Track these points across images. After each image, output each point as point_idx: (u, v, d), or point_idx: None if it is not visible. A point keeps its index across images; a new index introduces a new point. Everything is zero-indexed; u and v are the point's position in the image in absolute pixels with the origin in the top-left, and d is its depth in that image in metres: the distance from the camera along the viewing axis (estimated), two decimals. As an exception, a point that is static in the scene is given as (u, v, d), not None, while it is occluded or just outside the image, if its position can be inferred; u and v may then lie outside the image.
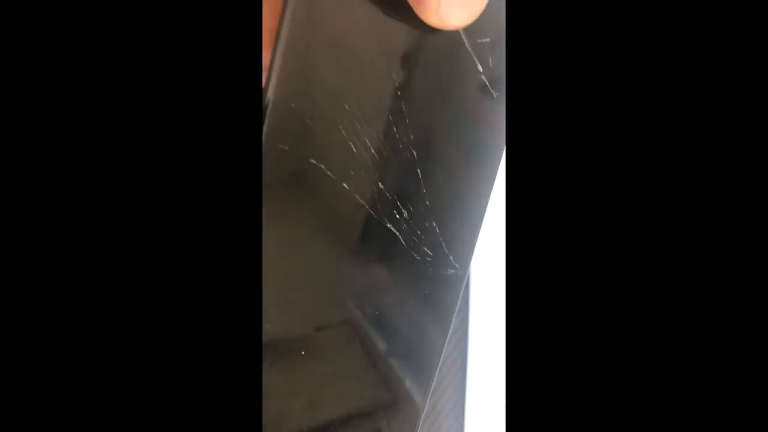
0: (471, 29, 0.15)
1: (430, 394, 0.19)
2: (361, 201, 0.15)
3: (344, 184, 0.14)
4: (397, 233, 0.16)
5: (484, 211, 0.17)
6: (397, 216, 0.15)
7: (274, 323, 0.15)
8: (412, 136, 0.15)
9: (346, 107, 0.14)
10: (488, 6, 0.14)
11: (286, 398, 0.16)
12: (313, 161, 0.14)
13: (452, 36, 0.15)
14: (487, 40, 0.15)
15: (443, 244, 0.16)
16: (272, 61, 0.13)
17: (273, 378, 0.15)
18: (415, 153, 0.15)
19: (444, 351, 0.18)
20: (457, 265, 0.17)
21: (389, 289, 0.16)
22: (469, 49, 0.15)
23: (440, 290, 0.17)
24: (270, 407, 0.15)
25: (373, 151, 0.14)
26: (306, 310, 0.15)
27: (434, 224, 0.16)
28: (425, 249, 0.16)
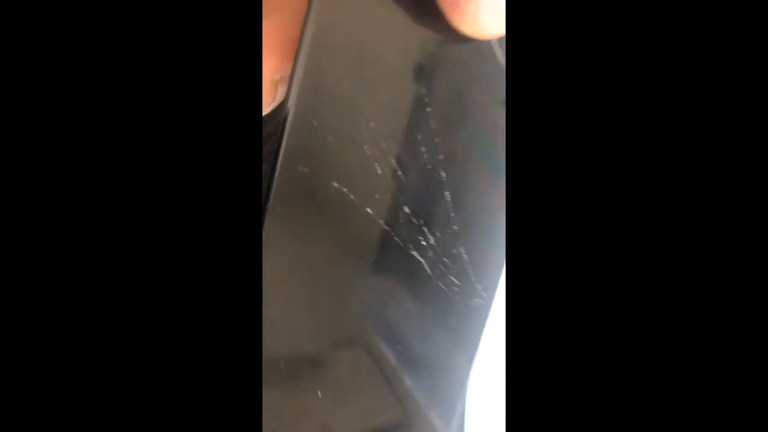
0: (504, 40, 0.14)
1: (455, 423, 0.18)
2: (385, 227, 0.13)
3: (368, 209, 0.13)
4: (423, 261, 0.14)
5: None
6: (423, 242, 0.14)
7: (289, 345, 0.14)
8: (440, 156, 0.14)
9: (372, 125, 0.12)
10: None
11: (299, 421, 0.15)
12: (335, 185, 0.12)
13: (483, 47, 0.14)
14: None
15: (471, 272, 0.15)
16: (293, 73, 0.12)
17: (284, 401, 0.14)
18: (443, 174, 0.14)
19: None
20: (484, 294, 0.16)
21: (412, 319, 0.15)
22: (501, 63, 0.14)
23: (466, 321, 0.16)
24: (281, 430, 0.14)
25: (399, 172, 0.13)
26: (323, 333, 0.15)
27: (462, 251, 0.15)
28: (452, 278, 0.15)
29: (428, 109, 0.13)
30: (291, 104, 0.12)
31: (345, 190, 0.13)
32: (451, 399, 0.17)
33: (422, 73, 0.13)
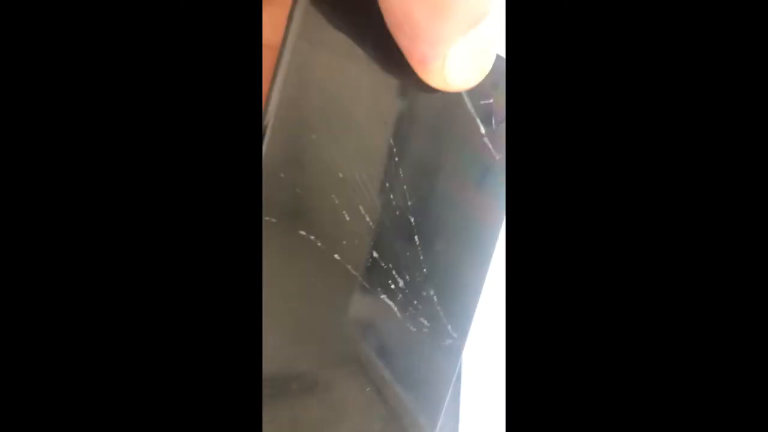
0: (474, 90, 0.14)
1: None
2: (353, 272, 0.14)
3: (336, 255, 0.13)
4: (392, 304, 0.15)
5: (485, 276, 0.16)
6: (392, 286, 0.14)
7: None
8: (409, 202, 0.14)
9: (340, 175, 0.13)
10: (492, 67, 0.13)
11: None
12: (302, 233, 0.13)
13: (453, 97, 0.14)
14: (491, 101, 0.15)
15: (441, 313, 0.15)
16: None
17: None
18: (412, 219, 0.14)
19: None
20: (455, 335, 0.16)
21: (382, 362, 0.15)
22: (472, 111, 0.14)
23: (438, 362, 0.16)
24: None
25: (367, 218, 0.14)
26: (293, 374, 0.14)
27: (432, 293, 0.15)
28: (422, 320, 0.15)
29: (396, 159, 0.14)
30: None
31: (312, 237, 0.13)
32: None
33: (391, 123, 0.13)
